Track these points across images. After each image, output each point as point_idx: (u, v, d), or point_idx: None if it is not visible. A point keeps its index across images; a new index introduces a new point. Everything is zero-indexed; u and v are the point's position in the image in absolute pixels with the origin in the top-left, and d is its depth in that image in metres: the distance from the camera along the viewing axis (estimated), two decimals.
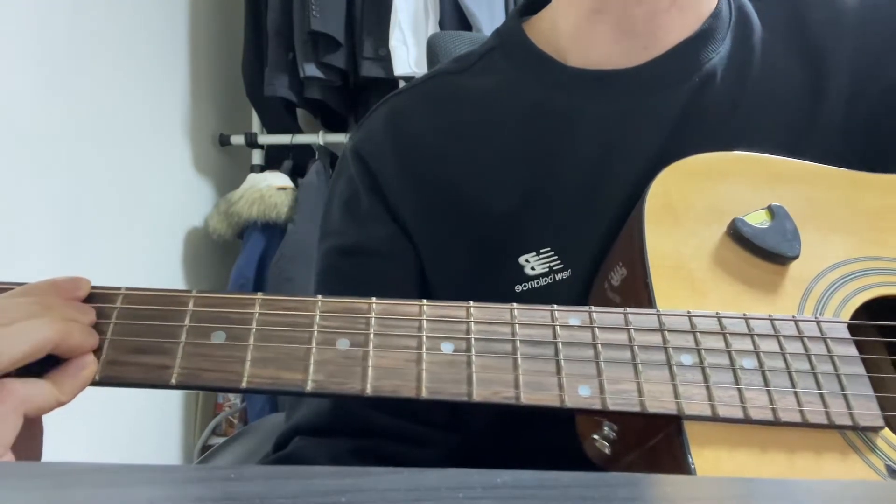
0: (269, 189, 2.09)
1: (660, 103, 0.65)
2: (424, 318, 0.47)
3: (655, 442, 0.47)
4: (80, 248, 1.73)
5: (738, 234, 0.54)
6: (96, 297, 0.47)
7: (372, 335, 0.46)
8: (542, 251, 0.63)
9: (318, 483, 0.30)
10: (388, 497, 0.29)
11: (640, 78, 0.66)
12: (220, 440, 1.47)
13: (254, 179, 2.16)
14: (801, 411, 0.46)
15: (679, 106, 0.65)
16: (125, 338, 0.45)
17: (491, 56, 0.72)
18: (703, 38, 0.66)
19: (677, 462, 0.45)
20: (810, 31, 0.68)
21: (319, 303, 0.47)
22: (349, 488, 0.29)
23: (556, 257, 0.63)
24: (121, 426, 1.84)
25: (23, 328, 0.42)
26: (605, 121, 0.65)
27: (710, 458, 0.44)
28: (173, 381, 0.44)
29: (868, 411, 0.46)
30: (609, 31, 0.66)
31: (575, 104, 0.66)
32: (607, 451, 0.48)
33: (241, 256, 2.10)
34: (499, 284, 0.63)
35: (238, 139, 2.28)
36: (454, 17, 1.89)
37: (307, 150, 2.23)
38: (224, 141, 2.30)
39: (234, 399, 2.18)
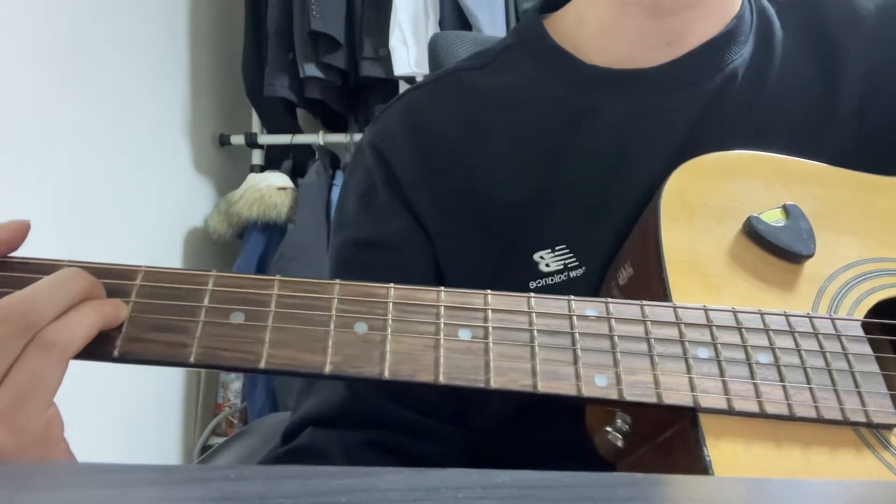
0: (269, 189, 2.08)
1: (679, 103, 0.65)
2: (442, 304, 0.47)
3: (669, 434, 0.47)
4: (80, 248, 1.72)
5: (753, 232, 0.54)
6: (117, 275, 0.47)
7: (390, 320, 0.46)
8: (557, 248, 0.63)
9: (318, 483, 0.30)
10: (388, 497, 0.29)
11: (661, 78, 0.65)
12: (220, 440, 1.46)
13: (254, 179, 2.16)
14: (816, 407, 0.46)
15: (698, 106, 0.65)
16: (145, 315, 0.45)
17: (509, 53, 0.72)
18: (727, 39, 0.66)
19: (691, 455, 0.45)
20: (828, 33, 0.68)
21: (338, 287, 0.46)
22: (349, 488, 0.29)
23: (571, 254, 0.62)
24: (121, 426, 1.83)
25: (78, 318, 0.43)
26: (624, 119, 0.65)
27: (726, 451, 0.44)
28: (192, 359, 0.43)
29: (882, 409, 0.47)
30: (636, 26, 0.65)
31: (593, 102, 0.66)
32: (620, 443, 0.48)
33: (241, 256, 2.10)
34: (513, 280, 0.63)
35: (238, 139, 2.28)
36: (454, 17, 1.89)
37: (307, 150, 2.23)
38: (224, 141, 2.29)
39: (234, 399, 2.18)
